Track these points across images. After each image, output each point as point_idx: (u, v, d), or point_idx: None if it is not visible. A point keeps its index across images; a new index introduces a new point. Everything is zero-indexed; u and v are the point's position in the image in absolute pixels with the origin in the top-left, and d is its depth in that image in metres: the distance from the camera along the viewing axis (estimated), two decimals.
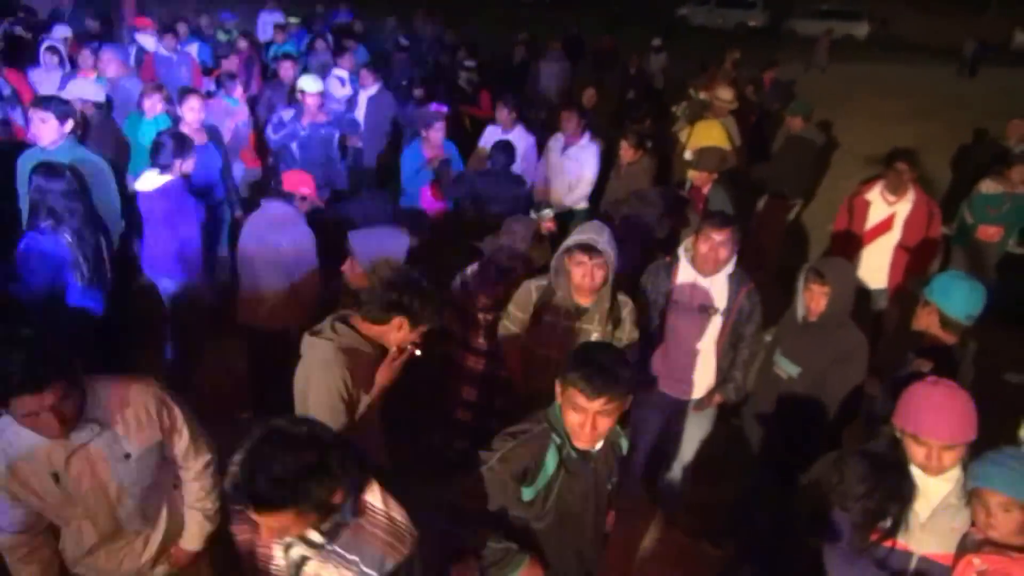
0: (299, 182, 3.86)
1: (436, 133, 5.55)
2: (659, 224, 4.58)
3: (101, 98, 5.14)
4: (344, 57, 8.05)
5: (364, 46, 9.83)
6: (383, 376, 2.50)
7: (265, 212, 3.80)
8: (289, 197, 3.82)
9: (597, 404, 1.94)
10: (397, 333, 2.42)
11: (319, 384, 2.33)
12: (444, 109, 6.64)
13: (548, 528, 2.16)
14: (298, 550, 1.74)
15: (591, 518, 2.25)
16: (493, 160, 5.16)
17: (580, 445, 2.07)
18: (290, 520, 1.56)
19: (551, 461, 2.09)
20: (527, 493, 2.10)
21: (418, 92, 7.95)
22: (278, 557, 1.77)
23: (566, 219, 5.53)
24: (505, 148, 5.22)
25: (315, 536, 1.71)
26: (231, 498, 1.65)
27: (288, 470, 1.51)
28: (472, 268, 3.71)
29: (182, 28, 9.05)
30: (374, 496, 1.77)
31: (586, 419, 1.97)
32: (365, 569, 1.73)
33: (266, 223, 3.73)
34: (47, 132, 3.98)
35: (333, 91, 7.45)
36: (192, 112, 4.98)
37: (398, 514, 1.78)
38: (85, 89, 5.04)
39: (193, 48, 8.61)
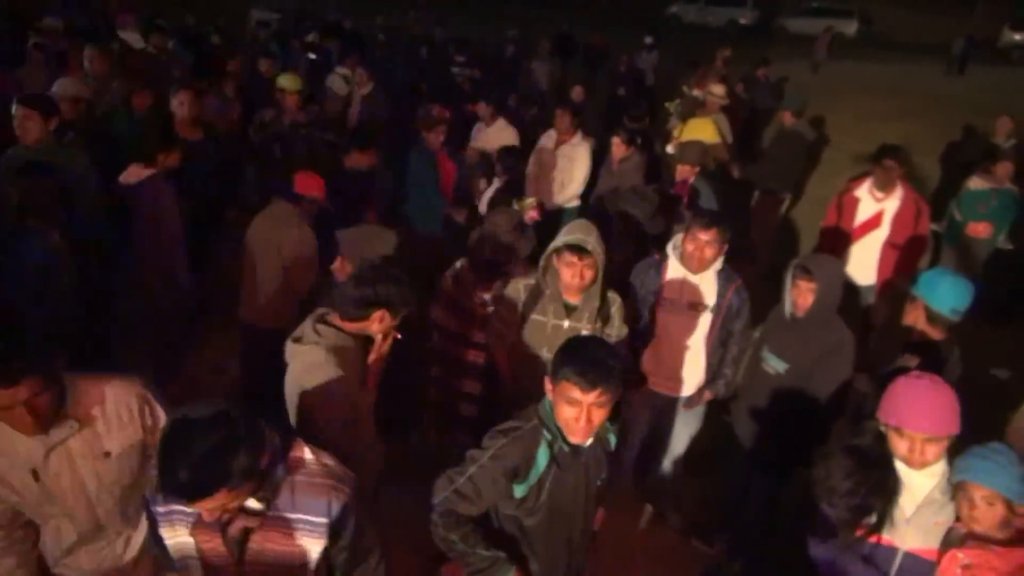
0: (310, 186, 3.84)
1: (436, 135, 5.52)
2: (654, 220, 4.58)
3: (88, 95, 5.09)
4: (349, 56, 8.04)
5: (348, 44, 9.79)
6: (372, 361, 2.51)
7: (271, 212, 3.79)
8: (298, 199, 3.80)
9: (592, 396, 1.94)
10: (379, 324, 2.43)
11: (317, 389, 2.31)
12: (447, 112, 6.61)
13: (539, 524, 2.17)
14: (237, 524, 1.73)
15: (581, 514, 2.25)
16: (506, 168, 5.09)
17: (574, 439, 2.07)
18: (226, 498, 1.57)
19: (542, 457, 2.08)
20: (519, 490, 2.10)
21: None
22: (217, 544, 1.75)
23: (556, 217, 5.53)
24: (512, 152, 5.19)
25: (254, 504, 1.71)
26: (164, 499, 1.70)
27: (204, 454, 1.52)
28: (461, 263, 3.70)
29: (166, 25, 8.98)
30: (302, 451, 1.81)
31: (581, 412, 1.97)
32: (314, 519, 1.75)
33: (270, 223, 3.73)
34: (32, 130, 3.95)
35: (338, 90, 7.45)
36: (183, 107, 4.94)
37: (331, 460, 1.83)
38: (71, 86, 4.99)
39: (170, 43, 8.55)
